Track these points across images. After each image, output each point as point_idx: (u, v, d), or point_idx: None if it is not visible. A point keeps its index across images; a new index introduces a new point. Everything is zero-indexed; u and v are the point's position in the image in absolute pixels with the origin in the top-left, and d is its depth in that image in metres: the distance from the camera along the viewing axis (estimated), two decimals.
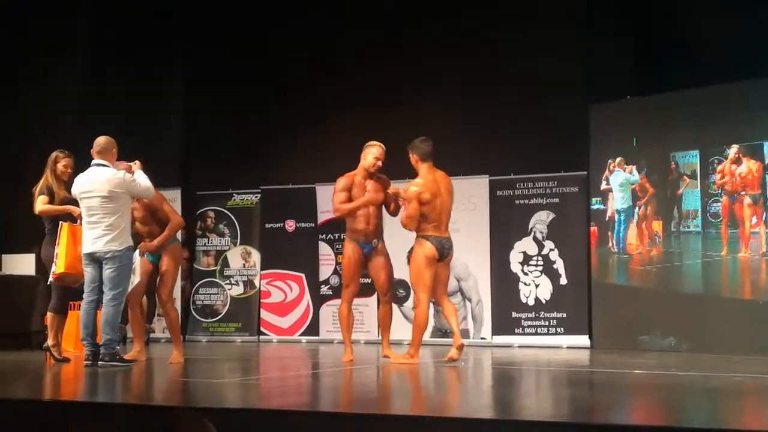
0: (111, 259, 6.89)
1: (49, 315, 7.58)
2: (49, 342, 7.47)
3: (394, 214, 7.65)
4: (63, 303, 7.57)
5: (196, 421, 2.96)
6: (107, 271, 6.91)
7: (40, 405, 4.94)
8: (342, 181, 7.59)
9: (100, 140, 7.12)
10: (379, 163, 7.53)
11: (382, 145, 7.59)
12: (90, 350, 6.95)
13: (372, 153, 7.54)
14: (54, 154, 7.67)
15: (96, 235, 6.90)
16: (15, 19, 10.25)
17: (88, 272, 7.00)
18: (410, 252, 7.36)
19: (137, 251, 7.38)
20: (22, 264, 9.24)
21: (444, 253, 7.19)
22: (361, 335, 9.81)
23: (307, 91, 10.56)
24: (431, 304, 9.82)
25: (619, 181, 9.30)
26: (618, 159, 9.29)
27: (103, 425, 4.37)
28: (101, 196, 6.90)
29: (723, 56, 8.36)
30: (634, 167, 9.18)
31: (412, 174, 9.80)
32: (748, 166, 8.39)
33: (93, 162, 7.09)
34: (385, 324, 7.71)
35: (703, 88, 8.60)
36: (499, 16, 9.73)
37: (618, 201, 9.31)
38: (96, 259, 6.94)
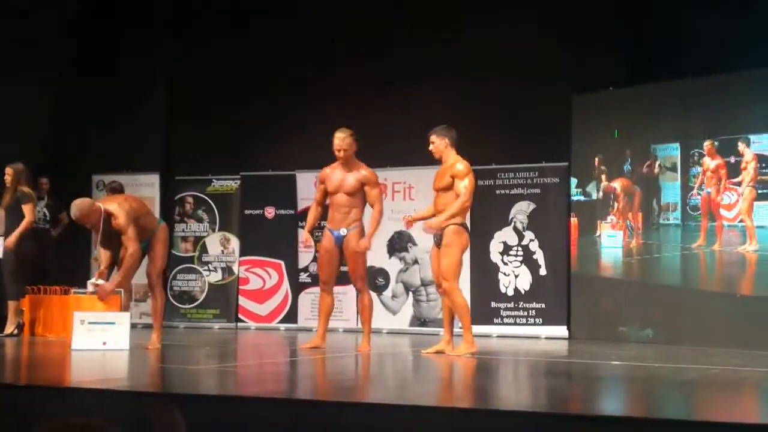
0: None
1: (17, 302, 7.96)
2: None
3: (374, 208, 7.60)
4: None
5: (166, 413, 2.91)
6: None
7: (12, 390, 4.89)
8: (320, 174, 7.75)
9: None
10: (338, 152, 7.48)
11: (340, 132, 7.51)
12: None
13: (333, 144, 7.53)
14: None
15: None
16: None
17: None
18: (438, 238, 7.11)
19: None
20: None
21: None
22: (340, 323, 9.78)
23: (288, 79, 10.49)
24: (411, 294, 9.86)
25: None
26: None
27: (75, 410, 4.33)
28: None
29: (707, 48, 8.36)
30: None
31: (389, 161, 9.79)
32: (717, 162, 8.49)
33: None
34: (362, 316, 7.67)
35: (686, 80, 8.60)
36: (482, 5, 9.69)
37: None
38: None
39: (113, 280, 7.22)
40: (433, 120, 9.31)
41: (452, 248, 7.03)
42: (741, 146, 8.32)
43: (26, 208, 8.66)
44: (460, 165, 7.11)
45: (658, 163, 8.95)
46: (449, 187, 7.11)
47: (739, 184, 8.35)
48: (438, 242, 7.16)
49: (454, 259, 7.03)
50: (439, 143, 7.25)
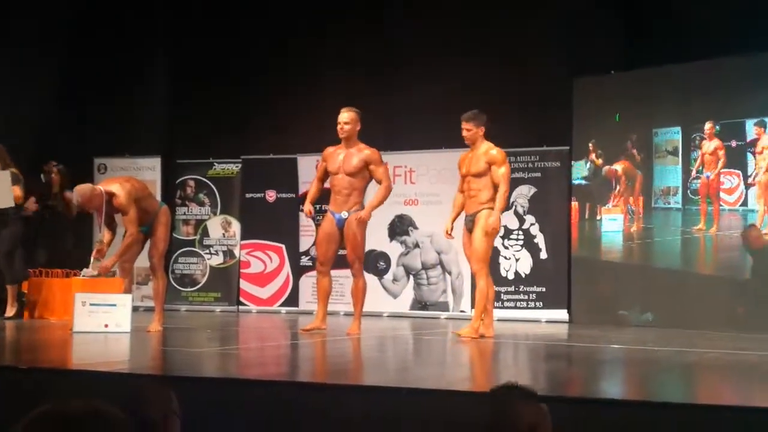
0: None
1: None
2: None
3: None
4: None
5: (160, 392, 2.92)
6: None
7: (14, 372, 4.90)
8: (323, 153, 7.68)
9: None
10: (339, 126, 7.45)
11: (347, 110, 7.48)
12: None
13: (338, 120, 7.51)
14: None
15: None
16: None
17: None
18: (470, 223, 7.18)
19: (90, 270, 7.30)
20: None
21: None
22: (341, 306, 9.77)
23: (289, 62, 10.47)
24: (411, 277, 9.86)
25: None
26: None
27: (76, 393, 4.34)
28: None
29: (708, 32, 8.32)
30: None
31: (390, 145, 9.77)
32: (715, 144, 8.45)
33: None
34: (354, 298, 7.61)
35: (687, 63, 8.57)
36: None
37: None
38: None
39: (110, 258, 7.28)
40: (433, 103, 9.34)
41: (486, 231, 7.11)
42: (757, 129, 8.24)
43: (14, 189, 8.56)
44: (495, 151, 7.18)
45: (634, 150, 8.96)
46: (484, 173, 7.16)
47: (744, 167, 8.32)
48: (470, 227, 7.19)
49: (486, 243, 7.15)
50: (475, 131, 7.27)
